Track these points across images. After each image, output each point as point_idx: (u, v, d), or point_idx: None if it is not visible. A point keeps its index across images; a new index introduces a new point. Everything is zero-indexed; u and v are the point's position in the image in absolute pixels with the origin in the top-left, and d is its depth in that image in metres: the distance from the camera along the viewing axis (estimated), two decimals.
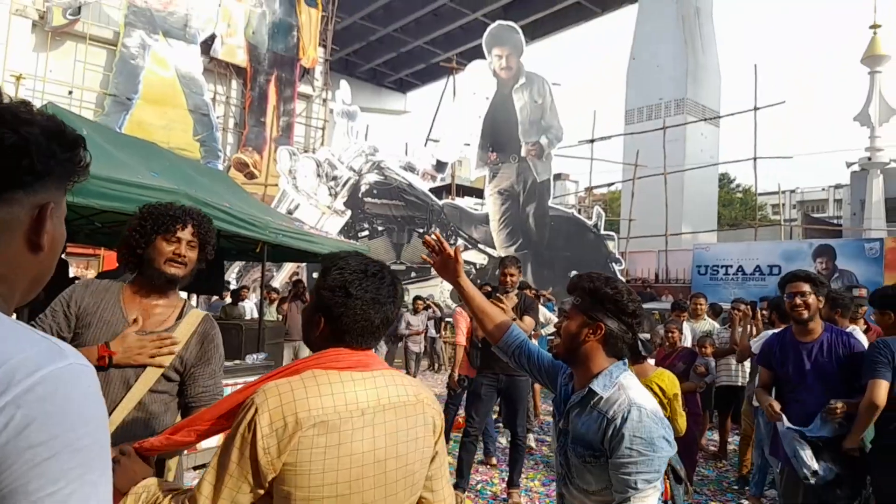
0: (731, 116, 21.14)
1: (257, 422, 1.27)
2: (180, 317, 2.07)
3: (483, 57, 16.94)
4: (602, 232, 17.00)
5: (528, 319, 4.81)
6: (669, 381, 3.66)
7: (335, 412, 1.30)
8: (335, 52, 25.51)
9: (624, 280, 16.63)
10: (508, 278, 4.81)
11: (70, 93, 15.96)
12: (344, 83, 19.06)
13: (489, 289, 6.26)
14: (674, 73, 25.24)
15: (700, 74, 25.72)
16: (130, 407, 1.91)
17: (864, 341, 3.73)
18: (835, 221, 29.45)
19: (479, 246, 16.27)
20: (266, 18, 20.35)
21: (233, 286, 11.58)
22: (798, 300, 3.13)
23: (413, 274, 15.18)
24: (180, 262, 2.03)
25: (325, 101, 21.35)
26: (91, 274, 16.63)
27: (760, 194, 34.71)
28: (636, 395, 1.75)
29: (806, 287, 3.14)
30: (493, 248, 16.20)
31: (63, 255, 6.20)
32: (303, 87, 21.60)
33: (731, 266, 15.17)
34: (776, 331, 3.48)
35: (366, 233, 15.25)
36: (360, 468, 1.31)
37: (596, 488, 1.78)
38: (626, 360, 1.87)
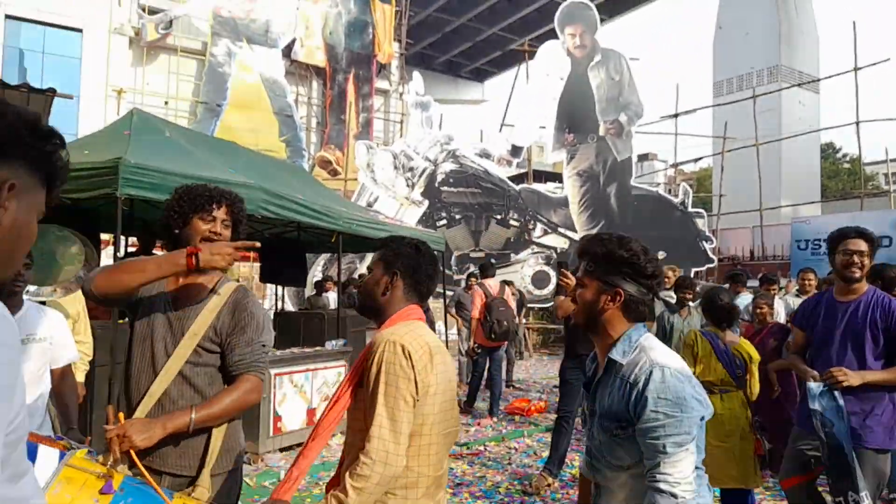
0: (831, 82, 19.67)
1: (410, 349, 1.73)
2: (213, 290, 2.12)
3: (557, 38, 16.59)
4: (690, 209, 16.26)
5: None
6: (750, 347, 4.01)
7: (437, 345, 1.83)
8: (411, 46, 25.78)
9: (716, 259, 15.92)
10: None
11: (166, 103, 17.03)
12: (416, 74, 19.23)
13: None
14: (765, 40, 23.71)
15: (795, 38, 24.02)
16: (169, 379, 1.99)
17: None
18: None
19: (560, 230, 15.98)
20: (342, 18, 20.86)
21: (317, 278, 11.99)
22: (856, 258, 2.98)
23: (493, 261, 15.12)
24: (216, 239, 2.07)
25: (401, 95, 21.65)
26: None
27: (869, 164, 32.04)
28: (658, 356, 1.65)
29: (864, 246, 2.97)
30: (574, 230, 15.87)
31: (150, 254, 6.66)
32: (380, 83, 22.00)
33: None
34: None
35: (443, 221, 15.34)
36: (450, 391, 1.84)
37: (630, 462, 1.67)
38: (646, 323, 1.78)
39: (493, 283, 7.58)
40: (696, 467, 1.59)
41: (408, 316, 1.90)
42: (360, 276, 10.21)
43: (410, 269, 1.94)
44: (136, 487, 1.75)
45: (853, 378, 2.89)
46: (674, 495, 1.52)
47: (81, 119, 14.75)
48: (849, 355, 2.99)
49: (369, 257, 15.25)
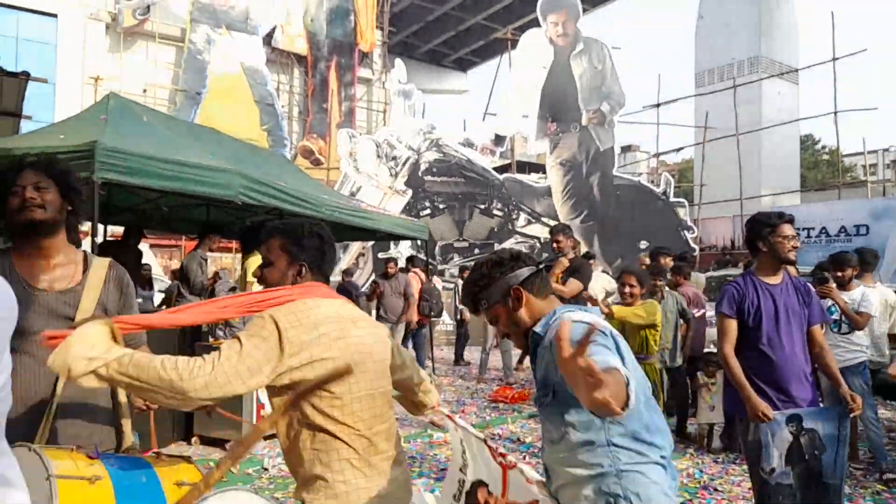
0: (810, 73, 19.86)
1: (275, 316, 1.68)
2: (86, 270, 2.03)
3: (540, 27, 16.56)
4: (672, 199, 16.39)
5: (572, 282, 4.76)
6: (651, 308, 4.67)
7: (337, 314, 1.80)
8: (393, 35, 25.60)
9: (697, 248, 16.07)
10: (555, 245, 5.14)
11: (144, 91, 16.76)
12: (399, 62, 19.13)
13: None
14: (745, 31, 23.91)
15: (775, 30, 24.24)
16: None
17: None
18: None
19: (543, 219, 16.02)
20: (323, 5, 20.64)
21: None
22: (795, 242, 3.12)
23: (476, 251, 15.15)
24: (35, 204, 1.90)
25: (384, 84, 21.52)
26: (174, 264, 17.52)
27: (848, 155, 32.50)
28: (567, 314, 1.68)
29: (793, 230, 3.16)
30: (558, 220, 15.93)
31: (144, 246, 6.57)
32: (363, 72, 21.84)
33: (814, 228, 14.28)
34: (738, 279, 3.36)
35: (427, 211, 15.31)
36: (367, 353, 1.82)
37: (556, 436, 1.69)
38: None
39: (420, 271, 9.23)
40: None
41: (304, 295, 1.79)
42: (410, 258, 10.27)
43: (318, 261, 1.89)
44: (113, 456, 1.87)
45: (858, 401, 2.98)
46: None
47: (58, 106, 14.47)
48: (794, 335, 3.10)
49: (353, 247, 15.21)
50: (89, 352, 1.51)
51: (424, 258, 9.95)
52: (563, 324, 1.25)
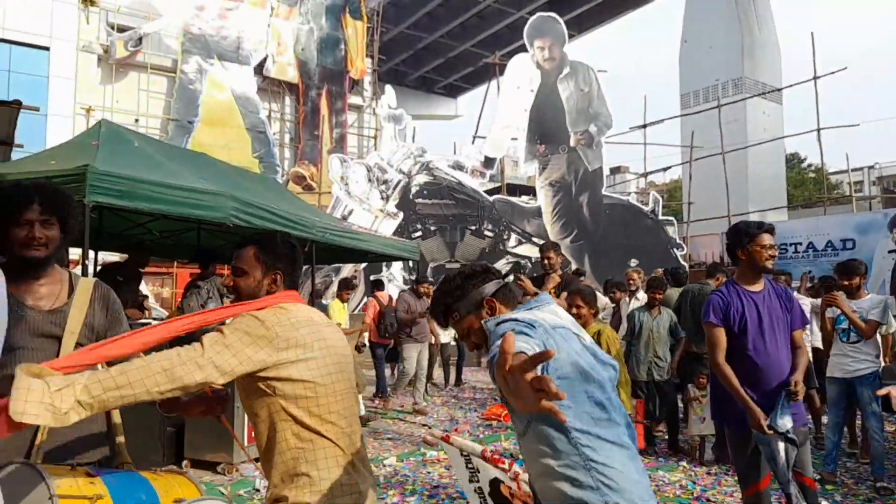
0: (793, 93, 20.20)
1: (260, 316, 1.74)
2: (72, 290, 2.02)
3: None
4: (661, 217, 16.55)
5: (564, 297, 4.79)
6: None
7: (310, 318, 1.84)
8: (383, 63, 25.94)
9: (686, 265, 16.18)
10: (546, 261, 5.17)
11: (136, 121, 16.87)
12: (389, 88, 19.37)
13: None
14: (728, 53, 24.40)
15: (757, 52, 24.75)
16: None
17: None
18: None
19: (534, 239, 16.13)
20: (314, 34, 20.93)
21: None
22: (773, 251, 3.18)
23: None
24: (41, 243, 1.90)
25: (374, 110, 21.75)
26: (166, 292, 17.47)
27: (834, 173, 32.89)
28: (509, 323, 1.67)
29: (772, 239, 3.21)
30: (548, 240, 16.06)
31: (137, 271, 6.48)
32: (353, 99, 22.08)
33: (801, 243, 14.46)
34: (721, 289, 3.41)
35: (419, 233, 15.40)
36: (339, 355, 1.87)
37: (521, 427, 1.71)
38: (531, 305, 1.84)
39: (383, 295, 9.13)
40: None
41: (281, 301, 1.86)
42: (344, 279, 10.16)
43: (291, 269, 1.95)
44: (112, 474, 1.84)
45: (800, 385, 3.06)
46: None
47: (49, 137, 14.54)
48: (780, 341, 3.15)
49: (345, 269, 15.24)
50: (56, 384, 1.44)
51: (413, 278, 9.95)
52: (507, 336, 1.22)
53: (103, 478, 1.75)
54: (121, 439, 2.10)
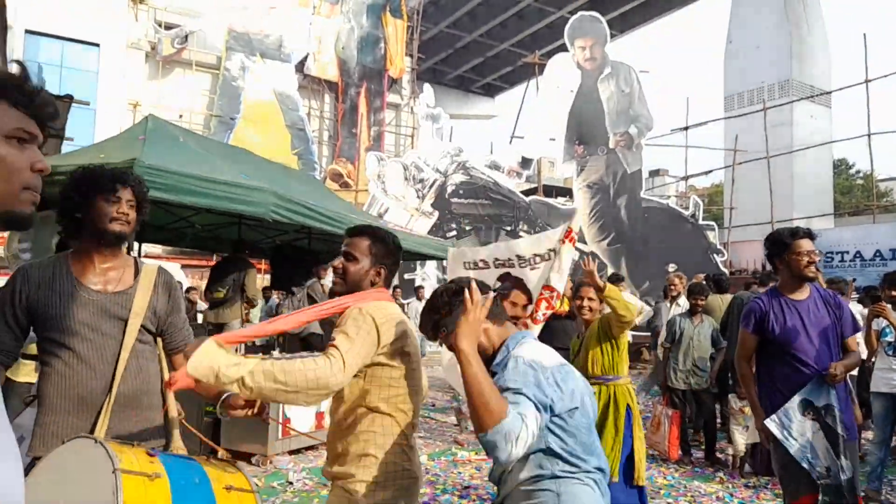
0: (843, 96, 19.57)
1: (373, 315, 1.90)
2: (136, 274, 2.13)
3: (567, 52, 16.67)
4: (701, 222, 16.20)
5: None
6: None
7: (403, 318, 2.01)
8: (423, 62, 26.02)
9: (727, 271, 15.81)
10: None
11: (180, 116, 17.26)
12: (427, 86, 19.40)
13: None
14: (776, 54, 23.71)
15: (806, 53, 24.00)
16: (126, 355, 2.03)
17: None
18: None
19: None
20: (354, 33, 21.11)
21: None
22: (812, 257, 3.11)
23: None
24: (127, 220, 2.04)
25: (412, 109, 21.83)
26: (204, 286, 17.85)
27: (884, 179, 31.76)
28: (520, 350, 1.82)
29: (813, 245, 3.15)
30: (584, 242, 15.86)
31: (175, 267, 6.74)
32: (392, 97, 22.21)
33: (848, 252, 14.00)
34: (760, 295, 3.34)
35: (453, 233, 15.38)
36: (418, 355, 2.06)
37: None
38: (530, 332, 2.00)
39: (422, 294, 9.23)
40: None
41: (377, 298, 2.02)
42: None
43: (394, 267, 2.12)
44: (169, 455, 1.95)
45: (839, 369, 2.98)
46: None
47: (98, 130, 14.98)
48: (823, 351, 3.08)
49: None
50: (230, 359, 1.69)
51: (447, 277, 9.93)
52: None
53: (161, 458, 1.81)
54: (176, 432, 2.17)
